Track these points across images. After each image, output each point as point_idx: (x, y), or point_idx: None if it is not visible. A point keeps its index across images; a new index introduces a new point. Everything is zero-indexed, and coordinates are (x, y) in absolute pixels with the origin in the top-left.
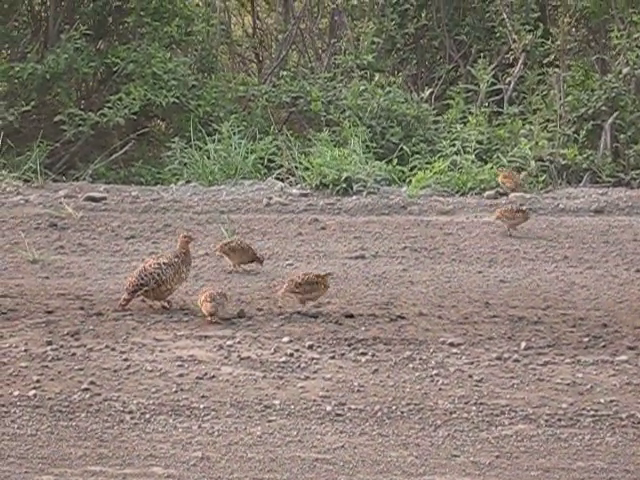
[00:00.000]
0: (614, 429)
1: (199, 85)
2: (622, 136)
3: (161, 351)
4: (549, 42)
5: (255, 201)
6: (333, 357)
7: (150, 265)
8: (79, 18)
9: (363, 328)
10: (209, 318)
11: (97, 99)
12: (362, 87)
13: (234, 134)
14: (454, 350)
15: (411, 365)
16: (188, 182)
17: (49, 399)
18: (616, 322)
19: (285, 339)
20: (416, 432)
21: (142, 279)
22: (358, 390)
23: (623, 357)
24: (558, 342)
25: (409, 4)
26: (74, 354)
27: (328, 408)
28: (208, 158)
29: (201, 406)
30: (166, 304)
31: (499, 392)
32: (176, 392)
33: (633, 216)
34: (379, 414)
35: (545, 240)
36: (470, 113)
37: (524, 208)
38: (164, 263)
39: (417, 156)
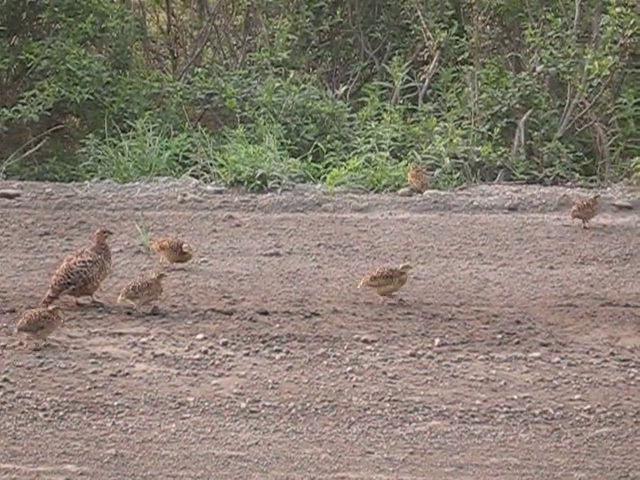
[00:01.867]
0: (527, 425)
1: (113, 82)
2: (536, 134)
3: (75, 348)
4: (463, 40)
5: (170, 198)
6: (247, 354)
7: (75, 264)
8: None
9: (277, 325)
10: None
11: (11, 95)
12: (277, 84)
13: (149, 131)
14: (368, 347)
15: (325, 362)
16: (102, 179)
17: None
18: (529, 319)
19: (199, 336)
20: (330, 429)
21: (69, 277)
22: (272, 387)
23: (536, 354)
24: (472, 339)
25: (324, 1)
26: None
27: (242, 405)
28: (123, 155)
29: (115, 403)
30: (90, 299)
31: (413, 389)
32: (90, 389)
33: (546, 213)
34: (293, 411)
35: (459, 237)
36: (385, 110)
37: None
38: (89, 261)
39: (332, 153)
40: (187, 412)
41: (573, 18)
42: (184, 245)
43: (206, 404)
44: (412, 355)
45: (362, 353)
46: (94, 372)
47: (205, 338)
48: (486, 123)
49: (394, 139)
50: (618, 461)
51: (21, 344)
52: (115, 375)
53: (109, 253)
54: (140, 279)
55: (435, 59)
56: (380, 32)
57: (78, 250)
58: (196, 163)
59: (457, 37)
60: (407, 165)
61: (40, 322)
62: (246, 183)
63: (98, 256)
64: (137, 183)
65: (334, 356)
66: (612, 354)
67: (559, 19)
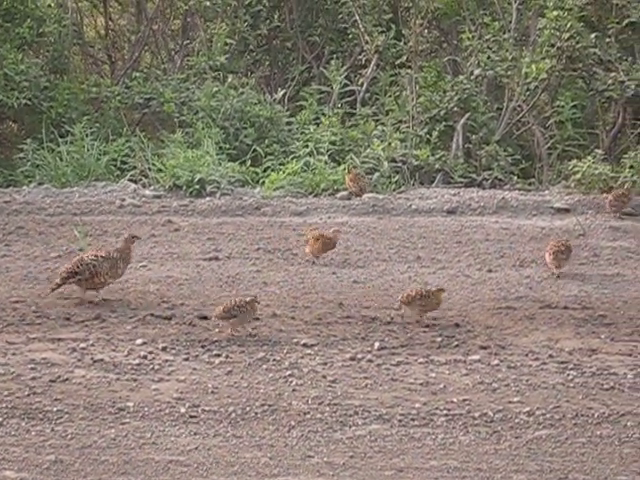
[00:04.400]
0: (467, 428)
1: (51, 86)
2: (474, 137)
3: (14, 354)
4: (401, 43)
5: (108, 203)
6: (187, 359)
7: (88, 256)
8: None
9: (217, 330)
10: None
11: None
12: (215, 88)
13: (87, 136)
14: (308, 351)
15: (265, 366)
16: (41, 184)
17: None
18: (469, 322)
19: (139, 341)
20: (270, 433)
21: (77, 267)
22: (212, 392)
23: (475, 357)
24: (411, 342)
25: (262, 5)
26: None
27: (182, 410)
28: (61, 160)
29: (54, 409)
30: (96, 296)
31: (353, 392)
32: (29, 395)
33: (485, 216)
34: (233, 415)
35: (398, 240)
36: (323, 114)
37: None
38: (102, 256)
39: (270, 157)
40: (127, 417)
41: (510, 21)
42: None
43: (146, 409)
44: (352, 359)
45: (302, 357)
46: (33, 378)
47: (144, 343)
48: (424, 127)
49: (332, 143)
50: (557, 463)
51: None
52: (54, 381)
53: (129, 257)
54: None
55: (373, 63)
56: (318, 36)
57: (101, 247)
58: (134, 168)
59: (395, 41)
60: (345, 169)
61: (234, 311)
62: (185, 187)
63: (114, 254)
64: (75, 188)
65: (274, 360)
66: (551, 356)
67: (496, 23)
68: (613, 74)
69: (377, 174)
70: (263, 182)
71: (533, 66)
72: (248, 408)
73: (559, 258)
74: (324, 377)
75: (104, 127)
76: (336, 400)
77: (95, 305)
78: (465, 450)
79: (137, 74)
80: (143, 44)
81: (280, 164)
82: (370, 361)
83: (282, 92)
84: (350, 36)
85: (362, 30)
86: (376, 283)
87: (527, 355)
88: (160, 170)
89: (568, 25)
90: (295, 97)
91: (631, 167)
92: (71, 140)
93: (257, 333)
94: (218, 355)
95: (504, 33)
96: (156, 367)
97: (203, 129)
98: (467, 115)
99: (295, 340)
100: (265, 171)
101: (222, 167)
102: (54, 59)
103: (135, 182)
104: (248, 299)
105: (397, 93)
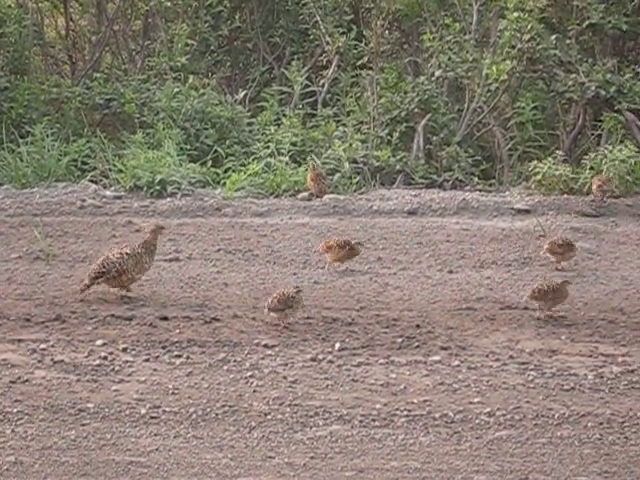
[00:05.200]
0: (427, 429)
1: (11, 87)
2: (435, 138)
3: None
4: (362, 44)
5: (68, 203)
6: (147, 360)
7: (114, 255)
8: None
9: (177, 330)
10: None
11: None
12: (176, 89)
13: (47, 136)
14: (268, 352)
15: (226, 367)
16: (1, 185)
17: None
18: (429, 323)
19: (99, 342)
20: (231, 434)
21: (104, 267)
22: (173, 392)
23: (436, 357)
24: (372, 343)
25: (223, 6)
26: None
27: (142, 411)
28: (21, 160)
29: (14, 410)
30: (127, 292)
31: (313, 393)
32: None
33: (445, 217)
34: (194, 416)
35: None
36: (284, 115)
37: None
38: (127, 253)
39: (231, 158)
40: (87, 418)
41: (471, 23)
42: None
43: (106, 410)
44: (312, 360)
45: (262, 358)
46: None
47: (105, 344)
48: (385, 128)
49: (293, 144)
50: (518, 464)
51: None
52: (14, 382)
53: (154, 250)
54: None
55: (334, 64)
56: (279, 37)
57: (125, 243)
58: (95, 168)
59: (356, 42)
60: (307, 170)
61: (289, 302)
62: (145, 188)
63: (138, 250)
64: (36, 189)
65: (234, 361)
66: (511, 357)
67: (457, 24)
68: (573, 75)
69: (338, 175)
70: (224, 183)
71: (494, 67)
72: (209, 409)
73: (556, 252)
74: (285, 378)
75: (65, 128)
76: (297, 401)
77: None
78: (426, 451)
79: (98, 75)
80: (104, 45)
81: (241, 165)
82: (331, 362)
83: (243, 93)
84: (311, 37)
85: (323, 31)
86: (337, 284)
87: (488, 356)
88: (121, 171)
89: (529, 26)
90: (256, 98)
91: (591, 168)
92: (31, 141)
93: (218, 334)
94: (179, 356)
95: (465, 34)
96: (116, 368)
97: (164, 130)
98: (428, 116)
99: (256, 341)
100: (226, 172)
101: (183, 168)
102: (14, 60)
103: (96, 183)
104: (295, 290)
105: (358, 94)
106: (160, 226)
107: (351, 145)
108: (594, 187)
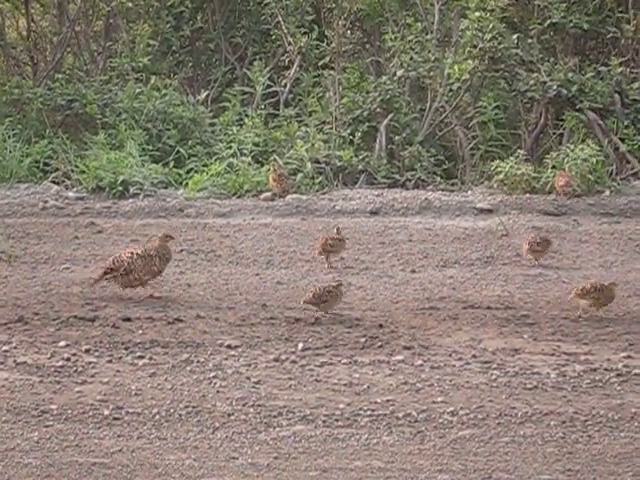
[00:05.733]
0: (391, 428)
1: None
2: (397, 138)
3: None
4: (324, 44)
5: (31, 205)
6: (110, 361)
7: (125, 254)
8: None
9: (140, 331)
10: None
11: None
12: (138, 90)
13: (9, 137)
14: (232, 352)
15: (189, 368)
16: None
17: None
18: (392, 322)
19: (62, 343)
20: (194, 435)
21: (113, 264)
22: (136, 394)
23: (399, 357)
24: (335, 343)
25: (184, 7)
26: None
27: (106, 412)
28: None
29: None
30: (148, 291)
31: (277, 393)
32: None
33: (408, 217)
34: (157, 417)
35: None
36: (246, 115)
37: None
38: (137, 254)
39: (194, 159)
40: (50, 420)
41: (433, 22)
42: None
43: (69, 412)
44: (276, 360)
45: (226, 358)
46: None
47: (68, 345)
48: (347, 127)
49: (256, 144)
50: (481, 463)
51: None
52: None
53: (165, 255)
54: None
55: (296, 64)
56: (241, 37)
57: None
58: (57, 170)
59: (318, 42)
60: (269, 170)
61: (324, 296)
62: (108, 189)
63: (150, 252)
64: None
65: (197, 362)
66: (474, 356)
67: (419, 23)
68: (535, 75)
69: (300, 175)
70: (186, 184)
71: (456, 67)
72: (172, 410)
73: (534, 249)
74: (248, 378)
75: (26, 129)
76: (260, 401)
77: (156, 299)
78: (389, 450)
79: (59, 76)
80: (65, 45)
81: (203, 165)
82: (294, 362)
83: (205, 93)
84: (273, 37)
85: (285, 31)
86: (300, 284)
87: (451, 355)
88: (83, 172)
89: (490, 26)
90: (218, 98)
91: (553, 167)
92: None
93: (181, 335)
94: (142, 357)
95: (427, 34)
96: (79, 369)
97: (126, 130)
98: (390, 116)
99: (219, 341)
100: (188, 172)
101: (145, 169)
102: None
103: (58, 184)
104: (335, 284)
105: (320, 94)
106: (167, 235)
107: (313, 145)
108: (560, 184)
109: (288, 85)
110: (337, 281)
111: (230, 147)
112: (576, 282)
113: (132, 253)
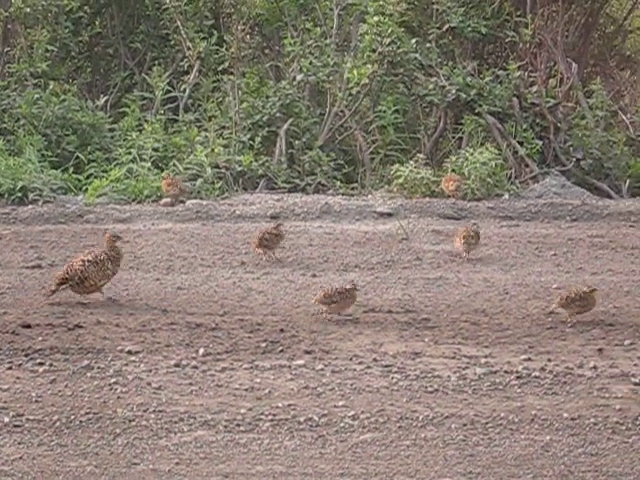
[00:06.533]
0: (292, 433)
1: None
2: (297, 142)
3: None
4: (223, 49)
5: None
6: (10, 368)
7: (76, 262)
8: None
9: (40, 338)
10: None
11: None
12: (36, 95)
13: None
14: (132, 358)
15: (89, 374)
16: None
17: None
18: (293, 327)
19: None
20: (95, 441)
21: (67, 274)
22: (36, 400)
23: (300, 361)
24: (236, 348)
25: (83, 12)
26: None
27: (6, 420)
28: None
29: None
30: (100, 295)
31: (178, 399)
32: None
33: (308, 221)
34: (57, 424)
35: (222, 246)
36: (146, 121)
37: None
38: (88, 260)
39: (93, 164)
40: None
41: (332, 27)
42: None
43: None
44: (176, 365)
45: (126, 364)
46: None
47: None
48: (247, 132)
49: (155, 149)
50: (382, 466)
51: None
52: None
53: (116, 256)
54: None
55: (195, 69)
56: (140, 42)
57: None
58: None
59: (217, 47)
60: (162, 177)
61: (335, 297)
62: (6, 195)
63: (101, 257)
64: None
65: (98, 368)
66: (375, 360)
67: (318, 28)
68: (434, 79)
69: (200, 180)
70: (86, 189)
71: (355, 71)
72: (73, 416)
73: (469, 243)
74: (149, 384)
75: None
76: (161, 407)
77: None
78: (291, 455)
79: None
80: None
81: (103, 171)
82: (195, 367)
83: (104, 99)
84: (172, 42)
85: (184, 36)
86: (200, 289)
87: (351, 359)
88: None
89: (389, 30)
90: (117, 104)
91: (453, 171)
92: None
93: (81, 341)
94: (42, 364)
95: (326, 39)
96: None
97: (25, 136)
98: (290, 121)
99: (119, 347)
100: (88, 178)
101: (44, 174)
102: None
103: None
104: (348, 286)
105: (220, 99)
106: (112, 235)
107: (213, 150)
108: (450, 188)
109: (187, 90)
110: (351, 284)
111: (130, 152)
112: (476, 285)
113: (83, 261)
